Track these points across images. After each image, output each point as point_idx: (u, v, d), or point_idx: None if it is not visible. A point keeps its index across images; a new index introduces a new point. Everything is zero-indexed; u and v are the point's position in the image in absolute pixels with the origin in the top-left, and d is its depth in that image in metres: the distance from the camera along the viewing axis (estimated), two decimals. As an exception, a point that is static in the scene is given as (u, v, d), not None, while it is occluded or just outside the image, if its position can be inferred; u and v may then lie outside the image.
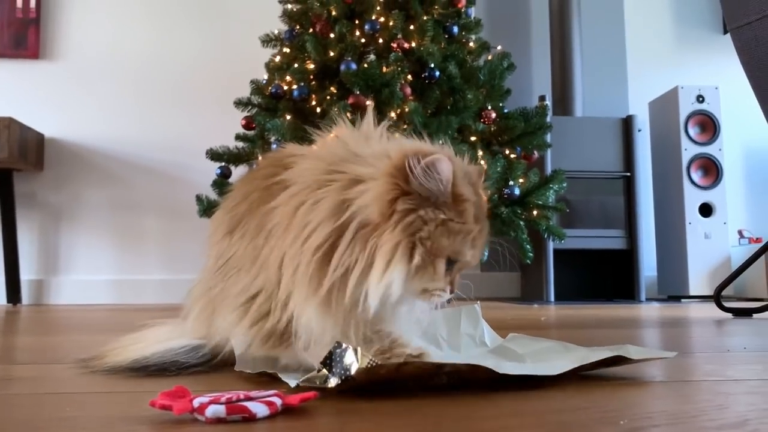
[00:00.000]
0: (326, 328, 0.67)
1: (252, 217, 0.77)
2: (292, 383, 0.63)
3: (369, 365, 0.58)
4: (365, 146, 0.73)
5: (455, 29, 2.61)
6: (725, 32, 3.94)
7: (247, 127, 2.62)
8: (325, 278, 0.65)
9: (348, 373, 0.58)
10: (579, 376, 0.74)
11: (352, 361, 0.58)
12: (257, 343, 0.72)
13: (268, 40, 2.76)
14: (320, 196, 0.68)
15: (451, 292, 0.70)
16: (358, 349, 0.59)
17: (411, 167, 0.65)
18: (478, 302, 0.98)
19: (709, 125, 3.48)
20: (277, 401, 0.53)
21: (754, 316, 1.96)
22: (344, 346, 0.60)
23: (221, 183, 2.62)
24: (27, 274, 3.32)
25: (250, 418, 0.51)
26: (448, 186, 0.67)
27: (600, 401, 0.61)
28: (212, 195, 2.65)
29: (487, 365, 0.65)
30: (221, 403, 0.51)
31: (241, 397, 0.53)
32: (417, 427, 0.49)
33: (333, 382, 0.59)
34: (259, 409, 0.51)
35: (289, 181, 0.73)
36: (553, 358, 0.73)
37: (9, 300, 3.14)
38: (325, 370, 0.60)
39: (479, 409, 0.57)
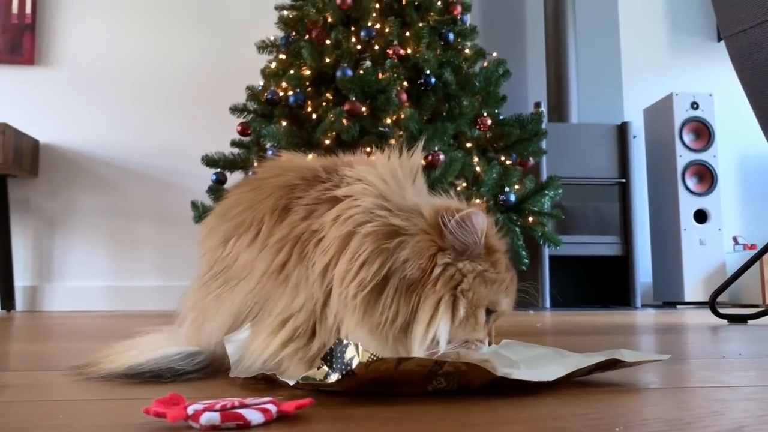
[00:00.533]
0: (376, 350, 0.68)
1: (271, 228, 0.76)
2: (291, 382, 0.63)
3: (370, 360, 0.58)
4: (398, 194, 0.74)
5: (451, 36, 2.62)
6: (719, 39, 3.96)
7: (242, 133, 2.62)
8: (375, 313, 0.68)
9: (349, 368, 0.58)
10: (575, 383, 0.74)
11: (353, 356, 0.58)
12: (296, 362, 0.70)
13: (264, 47, 2.77)
14: (368, 229, 0.70)
15: (490, 343, 0.73)
16: (359, 344, 0.59)
17: (445, 223, 0.69)
18: None
19: (703, 132, 3.50)
20: (272, 408, 0.53)
21: (749, 322, 1.96)
22: (345, 342, 0.59)
23: (217, 189, 2.62)
24: (21, 280, 3.30)
25: (245, 426, 0.50)
26: (482, 238, 0.71)
27: (595, 408, 0.61)
28: (207, 201, 2.64)
29: (522, 377, 0.66)
30: (216, 410, 0.50)
31: (236, 404, 0.52)
32: (412, 435, 0.49)
33: (334, 377, 0.59)
34: (254, 416, 0.51)
35: (320, 203, 0.74)
36: (548, 365, 0.73)
37: (3, 306, 3.13)
38: (325, 367, 0.60)
39: (475, 415, 0.57)
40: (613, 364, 0.74)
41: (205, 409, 0.50)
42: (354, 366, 0.58)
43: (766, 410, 0.61)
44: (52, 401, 0.66)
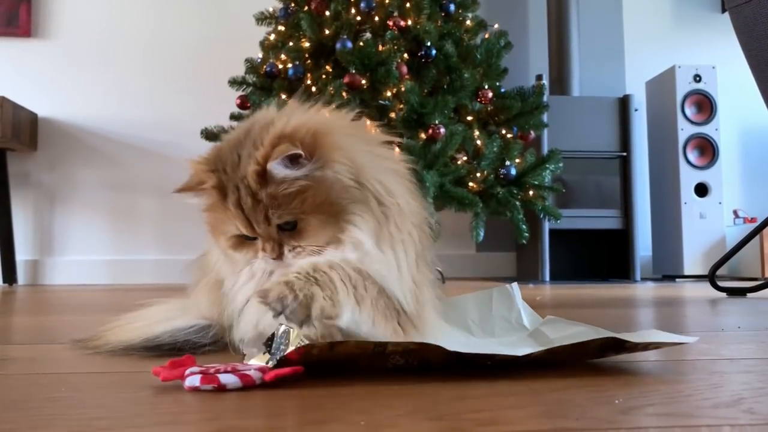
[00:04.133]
0: None
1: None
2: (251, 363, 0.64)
3: (299, 345, 0.57)
4: None
5: (452, 7, 2.59)
6: (723, 11, 3.91)
7: (241, 106, 2.60)
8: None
9: (283, 354, 0.58)
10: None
11: (288, 342, 0.59)
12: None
13: (262, 18, 2.73)
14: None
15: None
16: (293, 330, 0.59)
17: None
18: (515, 283, 0.94)
19: (705, 105, 3.48)
20: (256, 375, 0.56)
21: (748, 295, 1.97)
22: (283, 328, 0.60)
23: (216, 163, 2.61)
24: (22, 254, 3.31)
25: (220, 388, 0.55)
26: None
27: (595, 380, 0.61)
28: (207, 175, 2.63)
29: (514, 353, 0.62)
30: (197, 374, 0.55)
31: (228, 369, 0.57)
32: (413, 406, 0.50)
33: (271, 363, 0.59)
34: (229, 380, 0.55)
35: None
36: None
37: (5, 280, 3.14)
38: (268, 352, 0.61)
39: (476, 388, 0.57)
40: (624, 345, 0.66)
41: (192, 373, 0.55)
42: (287, 352, 0.58)
43: (765, 382, 0.61)
44: (54, 374, 0.66)
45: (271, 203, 0.66)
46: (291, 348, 0.58)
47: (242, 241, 0.70)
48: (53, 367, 0.71)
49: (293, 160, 0.66)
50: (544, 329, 0.80)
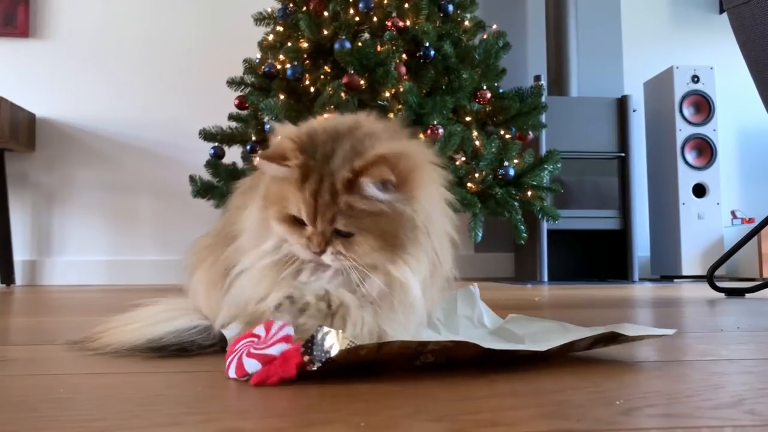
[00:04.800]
0: None
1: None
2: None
3: (349, 346, 0.58)
4: None
5: (450, 8, 2.59)
6: (721, 12, 3.92)
7: (240, 106, 2.60)
8: None
9: (328, 355, 0.58)
10: (575, 358, 0.74)
11: (333, 343, 0.59)
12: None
13: (260, 18, 2.73)
14: None
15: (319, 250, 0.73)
16: (339, 331, 0.60)
17: None
18: (475, 284, 0.98)
19: (703, 106, 3.48)
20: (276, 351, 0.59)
21: (747, 295, 1.97)
22: (325, 329, 0.60)
23: (215, 164, 2.60)
24: (20, 254, 3.30)
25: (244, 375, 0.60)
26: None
27: (596, 381, 0.61)
28: (206, 175, 2.63)
29: (515, 347, 0.66)
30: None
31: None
32: (413, 408, 0.49)
33: (315, 366, 0.59)
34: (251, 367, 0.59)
35: None
36: (552, 339, 0.71)
37: (2, 281, 3.13)
38: (307, 355, 0.61)
39: (476, 389, 0.57)
40: (613, 338, 0.74)
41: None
42: (333, 354, 0.58)
43: (765, 383, 0.61)
44: (52, 375, 0.66)
45: (345, 211, 0.68)
46: (338, 348, 0.58)
47: (292, 221, 0.71)
48: (51, 368, 0.71)
49: (384, 185, 0.68)
50: (509, 327, 0.86)
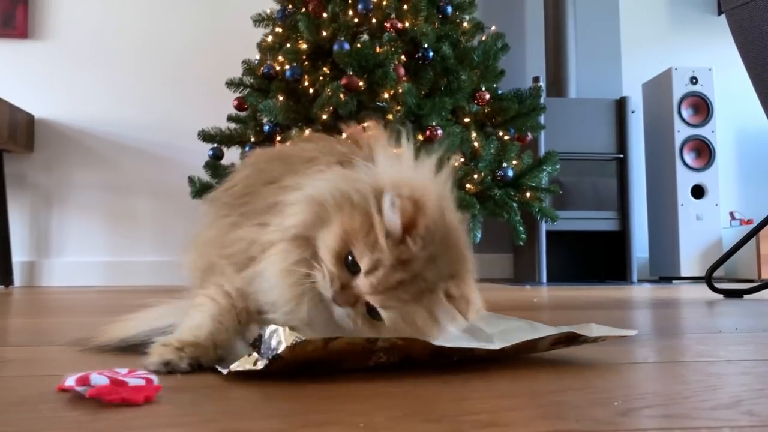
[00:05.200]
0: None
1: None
2: (224, 371, 0.61)
3: (295, 342, 0.57)
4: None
5: (449, 9, 2.59)
6: (719, 13, 3.93)
7: (239, 108, 2.60)
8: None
9: (275, 352, 0.57)
10: (573, 359, 0.74)
11: (280, 341, 0.58)
12: None
13: (260, 20, 2.73)
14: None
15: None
16: (285, 328, 0.58)
17: None
18: None
19: (702, 107, 3.49)
20: (134, 381, 0.53)
21: (745, 296, 1.97)
22: (273, 327, 0.59)
23: (214, 164, 2.61)
24: (19, 255, 3.30)
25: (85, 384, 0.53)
26: None
27: (593, 382, 0.61)
28: (205, 177, 2.63)
29: (468, 345, 0.65)
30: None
31: (105, 372, 0.54)
32: (411, 408, 0.50)
33: (261, 364, 0.58)
34: (98, 380, 0.52)
35: None
36: (521, 337, 0.70)
37: (1, 282, 3.13)
38: (255, 353, 0.60)
39: (474, 389, 0.57)
40: (574, 338, 0.73)
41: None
42: (280, 350, 0.57)
43: (764, 384, 0.61)
44: (51, 376, 0.66)
45: (398, 308, 0.63)
46: (285, 345, 0.57)
47: (342, 260, 0.63)
48: (50, 369, 0.71)
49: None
50: (479, 325, 0.81)
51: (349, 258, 0.63)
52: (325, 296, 0.64)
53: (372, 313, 0.63)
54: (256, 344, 0.60)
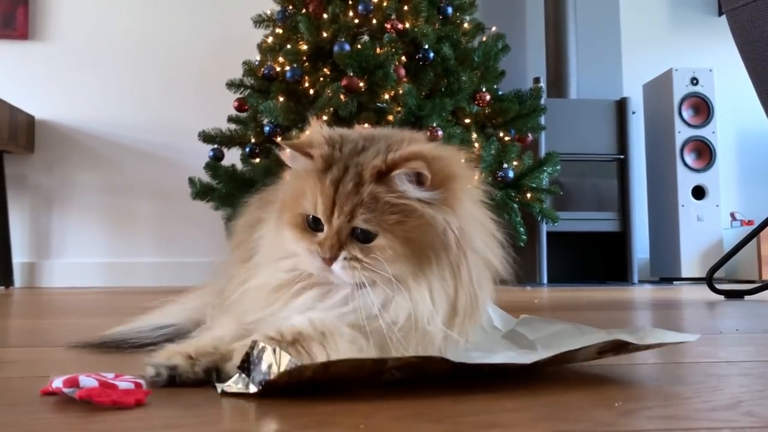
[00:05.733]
0: None
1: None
2: (218, 390, 0.55)
3: (290, 366, 0.51)
4: None
5: (449, 10, 2.59)
6: (720, 14, 3.93)
7: (239, 108, 2.60)
8: None
9: (266, 378, 0.51)
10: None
11: (271, 363, 0.51)
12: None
13: (260, 21, 2.74)
14: None
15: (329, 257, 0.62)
16: (277, 348, 0.52)
17: None
18: None
19: (703, 108, 3.48)
20: (123, 385, 0.52)
21: (746, 297, 1.97)
22: (261, 345, 0.52)
23: (214, 165, 2.61)
24: (19, 257, 3.30)
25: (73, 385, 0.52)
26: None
27: (594, 383, 0.61)
28: (205, 178, 2.63)
29: (495, 360, 0.61)
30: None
31: (92, 375, 0.53)
32: (412, 410, 0.49)
33: (252, 389, 0.52)
34: (87, 382, 0.52)
35: None
36: (565, 344, 0.65)
37: (1, 283, 3.13)
38: (244, 375, 0.53)
39: (474, 391, 0.56)
40: (621, 346, 0.64)
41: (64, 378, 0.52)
42: (272, 377, 0.51)
43: (764, 385, 0.61)
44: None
45: (368, 203, 0.58)
46: (278, 369, 0.51)
47: (304, 227, 0.61)
48: (51, 370, 0.71)
49: (419, 181, 0.59)
50: (520, 330, 0.78)
51: (309, 219, 0.61)
52: (316, 269, 0.60)
53: (363, 235, 0.59)
54: (245, 366, 0.53)
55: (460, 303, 0.61)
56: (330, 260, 0.59)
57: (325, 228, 0.60)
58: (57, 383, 0.52)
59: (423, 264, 0.59)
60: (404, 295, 0.59)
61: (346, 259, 0.59)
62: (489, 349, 0.68)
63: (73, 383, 0.51)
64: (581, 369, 0.68)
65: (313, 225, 0.61)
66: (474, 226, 0.64)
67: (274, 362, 0.51)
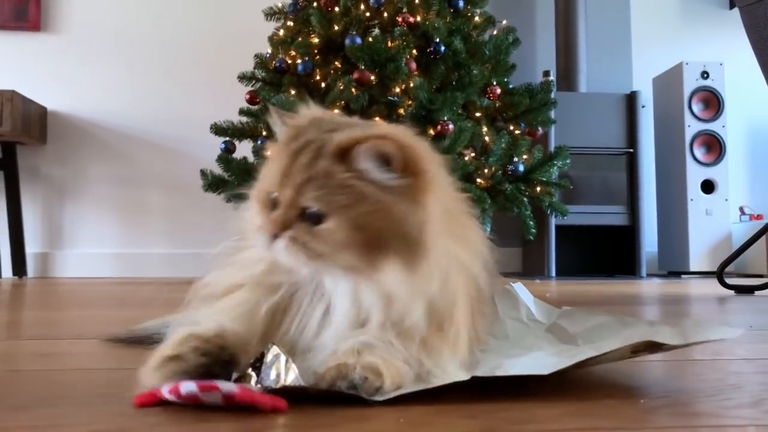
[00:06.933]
0: None
1: None
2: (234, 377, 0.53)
3: (294, 384, 0.50)
4: None
5: (460, 3, 2.59)
6: (731, 7, 3.91)
7: (251, 101, 2.61)
8: None
9: (271, 387, 0.50)
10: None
11: (278, 374, 0.51)
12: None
13: (271, 14, 2.74)
14: None
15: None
16: (288, 359, 0.51)
17: None
18: (514, 282, 0.89)
19: (713, 102, 3.48)
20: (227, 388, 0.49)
21: (756, 293, 1.98)
22: (275, 351, 0.51)
23: (226, 158, 2.62)
24: (32, 247, 3.33)
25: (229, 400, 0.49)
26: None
27: (619, 378, 0.62)
28: (217, 170, 2.65)
29: (512, 372, 0.56)
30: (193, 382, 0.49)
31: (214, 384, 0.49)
32: (445, 405, 0.51)
33: (257, 388, 0.51)
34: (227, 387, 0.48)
35: None
36: (606, 337, 0.62)
37: (15, 273, 3.16)
38: (253, 373, 0.52)
39: (504, 387, 0.57)
40: (655, 346, 0.59)
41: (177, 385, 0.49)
42: (277, 386, 0.50)
43: (783, 383, 0.62)
44: (65, 370, 0.68)
45: (321, 178, 0.53)
46: (282, 383, 0.50)
47: (266, 203, 0.57)
48: (65, 362, 0.72)
49: (383, 163, 0.54)
50: (562, 323, 0.76)
51: (272, 195, 0.56)
52: (262, 246, 0.55)
53: (315, 218, 0.53)
54: (257, 364, 0.52)
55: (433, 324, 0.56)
56: (274, 237, 0.54)
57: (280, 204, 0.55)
58: (164, 391, 0.49)
59: (378, 255, 0.53)
60: (373, 286, 0.54)
61: (290, 239, 0.53)
62: (529, 346, 0.68)
63: (175, 391, 0.49)
64: (603, 367, 0.69)
65: (273, 203, 0.56)
66: (442, 225, 0.57)
67: (282, 374, 0.51)
